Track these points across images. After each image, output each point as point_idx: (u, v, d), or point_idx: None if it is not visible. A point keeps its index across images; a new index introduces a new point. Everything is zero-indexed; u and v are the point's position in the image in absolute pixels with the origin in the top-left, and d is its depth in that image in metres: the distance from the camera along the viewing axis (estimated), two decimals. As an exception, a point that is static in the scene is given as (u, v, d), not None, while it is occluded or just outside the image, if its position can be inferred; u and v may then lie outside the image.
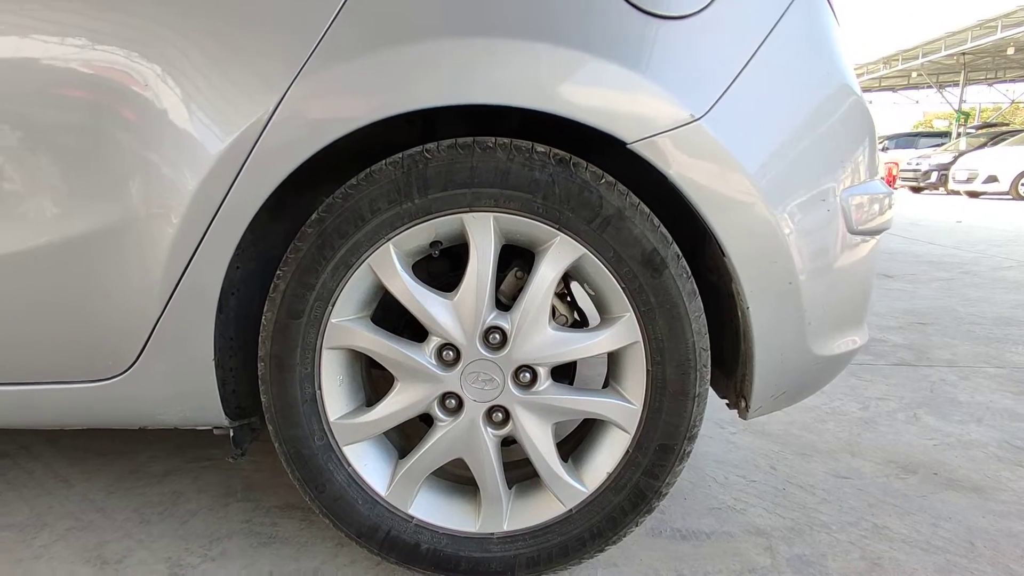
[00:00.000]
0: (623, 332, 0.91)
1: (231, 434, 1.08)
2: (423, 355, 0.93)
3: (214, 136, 0.89)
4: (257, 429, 1.15)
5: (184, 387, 1.01)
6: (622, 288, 0.90)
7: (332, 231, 0.90)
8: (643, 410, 0.92)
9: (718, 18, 0.88)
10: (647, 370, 0.91)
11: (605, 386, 1.00)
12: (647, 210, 0.90)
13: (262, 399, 0.97)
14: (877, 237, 1.05)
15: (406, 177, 0.88)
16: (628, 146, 0.86)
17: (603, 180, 0.89)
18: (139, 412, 1.05)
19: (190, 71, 0.89)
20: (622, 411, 0.93)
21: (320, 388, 0.95)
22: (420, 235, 0.91)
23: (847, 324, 1.00)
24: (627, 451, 0.93)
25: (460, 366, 0.93)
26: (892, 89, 31.83)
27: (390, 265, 0.91)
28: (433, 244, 0.94)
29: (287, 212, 1.05)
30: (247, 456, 1.46)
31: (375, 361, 0.99)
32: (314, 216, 0.92)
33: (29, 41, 0.90)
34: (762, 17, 0.91)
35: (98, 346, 0.99)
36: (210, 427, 1.06)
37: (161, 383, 1.01)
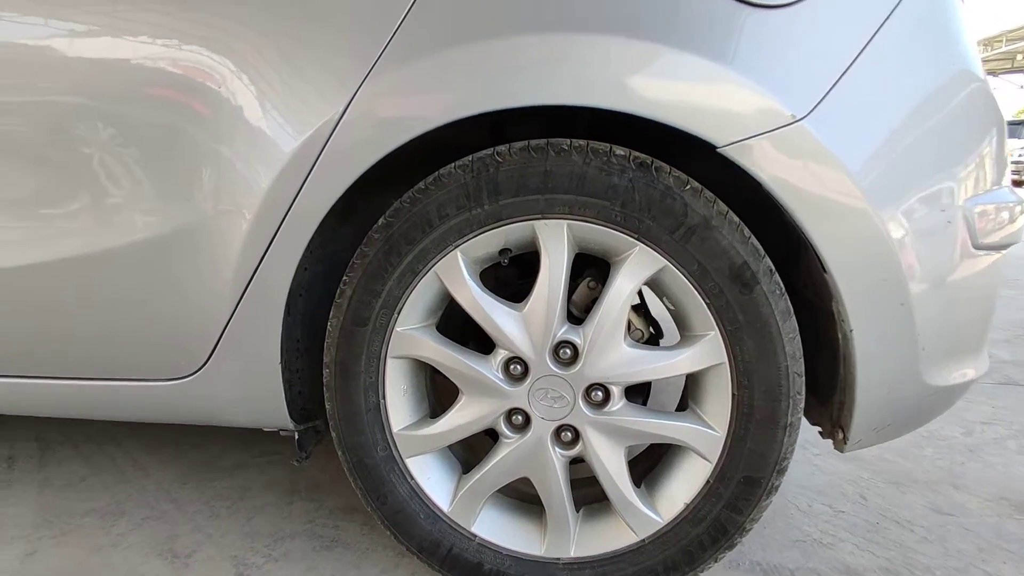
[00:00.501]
0: (706, 352, 0.84)
1: (296, 436, 1.08)
2: (490, 368, 0.89)
3: (287, 134, 0.87)
4: (321, 432, 1.15)
5: (251, 388, 1.01)
6: (706, 304, 0.82)
7: (399, 237, 0.87)
8: (726, 438, 0.85)
9: (825, 6, 0.79)
10: (732, 394, 0.83)
11: (682, 407, 0.93)
12: (736, 219, 0.82)
13: (326, 405, 0.96)
14: (1003, 251, 0.92)
15: (476, 181, 0.84)
16: (719, 150, 0.78)
17: (688, 186, 0.81)
18: (209, 411, 1.06)
19: (265, 68, 0.88)
20: (702, 437, 0.86)
21: (384, 397, 0.93)
22: (489, 242, 0.87)
23: (965, 351, 0.89)
24: (707, 481, 0.86)
25: (528, 381, 0.88)
26: (993, 73, 29.36)
27: (457, 273, 0.87)
28: (502, 252, 0.89)
29: (355, 215, 1.03)
30: (312, 456, 1.46)
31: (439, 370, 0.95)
32: (381, 221, 0.89)
33: (110, 41, 0.91)
34: (876, 2, 0.80)
35: (173, 346, 1.01)
36: (276, 429, 1.06)
37: (230, 384, 1.02)
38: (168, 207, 0.93)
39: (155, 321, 0.99)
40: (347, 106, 0.85)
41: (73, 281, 0.98)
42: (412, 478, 0.94)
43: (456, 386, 0.92)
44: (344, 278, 0.91)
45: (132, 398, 1.06)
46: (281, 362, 0.98)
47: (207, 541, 1.17)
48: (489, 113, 0.82)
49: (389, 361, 0.92)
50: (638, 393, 0.97)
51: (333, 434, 0.96)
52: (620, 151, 0.82)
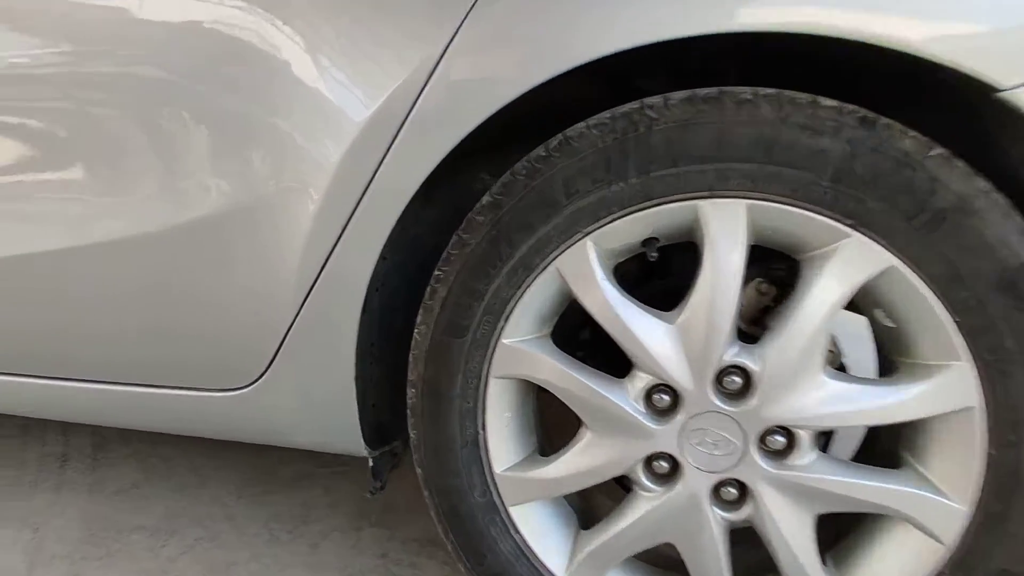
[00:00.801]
0: (949, 390, 0.59)
1: (369, 463, 0.89)
2: (626, 397, 0.67)
3: (356, 100, 0.68)
4: (399, 454, 0.96)
5: (319, 403, 0.83)
6: (955, 322, 0.57)
7: (511, 220, 0.66)
8: (974, 514, 0.60)
9: None
10: (987, 454, 0.58)
11: (892, 462, 0.68)
12: (1006, 202, 0.56)
13: (411, 434, 0.76)
14: None
15: (620, 146, 0.61)
16: (999, 94, 0.52)
17: (934, 152, 0.56)
18: (267, 429, 0.89)
19: (326, 22, 0.69)
20: (931, 509, 0.61)
21: (484, 428, 0.72)
22: (631, 230, 0.64)
23: None
24: (939, 573, 0.61)
25: (679, 418, 0.65)
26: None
27: (587, 269, 0.65)
28: (647, 242, 0.67)
29: (440, 193, 0.82)
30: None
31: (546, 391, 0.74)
32: (486, 199, 0.68)
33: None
34: None
35: (227, 348, 0.83)
36: (346, 454, 0.88)
37: (293, 397, 0.84)
38: (213, 186, 0.76)
39: (206, 317, 0.82)
40: (439, 59, 0.64)
41: (110, 268, 0.82)
42: (518, 532, 0.73)
43: (577, 417, 0.71)
44: (436, 273, 0.71)
45: (177, 409, 0.89)
46: (356, 371, 0.79)
47: (265, 574, 1.01)
48: (612, 64, 0.60)
49: (492, 382, 0.71)
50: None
51: (419, 470, 0.76)
52: (829, 102, 0.58)
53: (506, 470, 0.73)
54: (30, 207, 0.86)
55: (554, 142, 0.64)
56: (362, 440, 0.83)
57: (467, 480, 0.73)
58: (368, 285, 0.73)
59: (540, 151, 0.65)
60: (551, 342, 0.72)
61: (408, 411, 0.75)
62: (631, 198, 0.63)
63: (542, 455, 0.76)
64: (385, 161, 0.69)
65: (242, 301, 0.80)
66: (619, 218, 0.63)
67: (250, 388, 0.84)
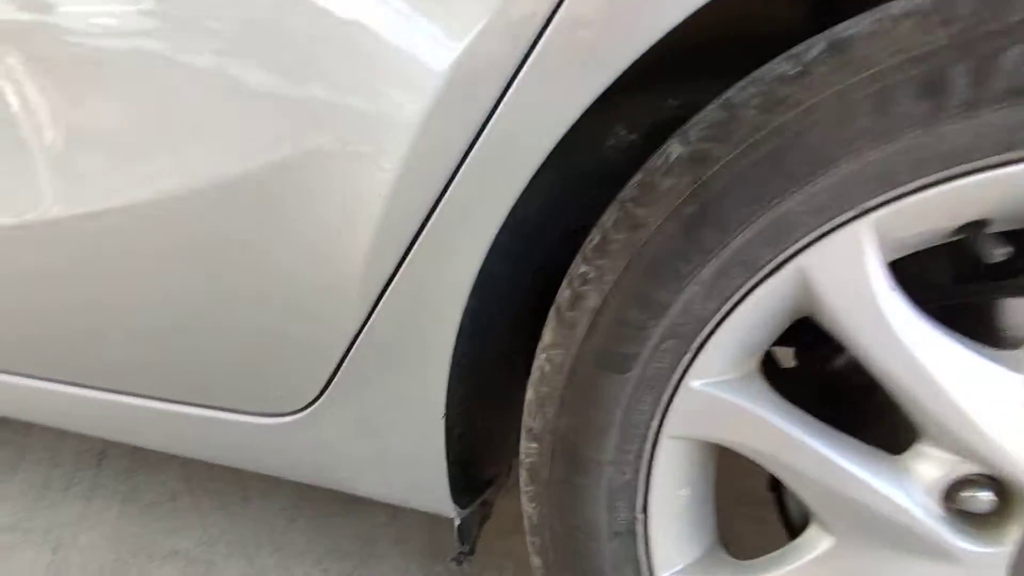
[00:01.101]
0: None
1: (456, 522, 0.65)
2: (911, 489, 0.39)
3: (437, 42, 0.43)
4: (490, 504, 0.72)
5: (388, 445, 0.59)
6: None
7: (727, 187, 0.39)
8: None
9: None
10: None
11: None
12: None
13: (526, 510, 0.51)
14: None
15: (966, 47, 0.33)
16: None
17: None
18: (320, 471, 0.66)
19: None
20: None
21: (646, 512, 0.46)
22: (950, 206, 0.36)
23: None
24: None
25: (1019, 535, 0.38)
26: None
27: (858, 273, 0.38)
28: (971, 227, 0.38)
29: (575, 147, 0.55)
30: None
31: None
32: (677, 150, 0.41)
33: None
34: None
35: (267, 367, 0.61)
36: (423, 509, 0.64)
37: (352, 433, 0.60)
38: (246, 148, 0.52)
39: (237, 314, 0.59)
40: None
41: (115, 242, 0.60)
42: None
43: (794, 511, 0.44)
44: (582, 270, 0.45)
45: (205, 434, 0.68)
46: (445, 406, 0.54)
47: (316, 636, 0.80)
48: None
49: (665, 443, 0.45)
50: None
51: (536, 563, 0.52)
52: None
53: (676, 575, 0.47)
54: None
55: (816, 48, 0.37)
56: (448, 496, 0.60)
57: (617, 591, 0.47)
58: (470, 287, 0.48)
59: (785, 67, 0.37)
60: (765, 384, 0.45)
61: (524, 474, 0.50)
62: (954, 153, 0.34)
63: (728, 554, 0.50)
64: (504, 101, 0.43)
65: (282, 302, 0.56)
66: (938, 184, 0.35)
67: (298, 416, 0.61)
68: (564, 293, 0.46)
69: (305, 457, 0.64)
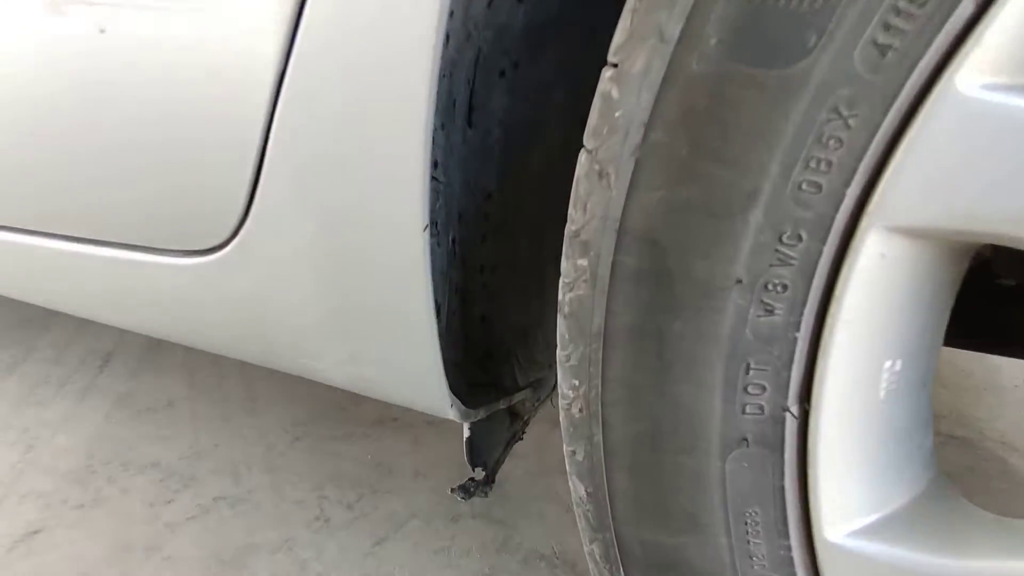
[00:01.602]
0: None
1: (465, 433, 0.42)
2: None
3: None
4: (523, 419, 0.49)
5: (351, 288, 0.37)
6: None
7: None
8: None
9: None
10: None
11: None
12: None
13: (564, 401, 0.27)
14: None
15: None
16: None
17: None
18: (261, 336, 0.45)
19: None
20: None
21: (808, 398, 0.21)
22: None
23: None
24: None
25: None
26: None
27: None
28: None
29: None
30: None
31: None
32: None
33: None
34: None
35: (182, 203, 0.40)
36: (402, 403, 0.42)
37: (296, 273, 0.39)
38: None
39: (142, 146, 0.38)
40: None
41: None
42: None
43: None
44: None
45: (124, 278, 0.48)
46: (431, 217, 0.31)
47: (306, 572, 0.61)
48: None
49: (869, 242, 0.19)
50: None
51: (580, 492, 0.28)
52: None
53: None
54: None
55: None
56: (441, 385, 0.36)
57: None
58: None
59: None
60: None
61: (562, 325, 0.26)
62: None
63: None
64: None
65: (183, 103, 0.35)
66: None
67: (222, 254, 0.40)
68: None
69: (238, 314, 0.43)
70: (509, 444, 0.49)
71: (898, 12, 0.19)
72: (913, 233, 0.21)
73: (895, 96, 0.20)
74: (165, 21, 0.33)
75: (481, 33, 0.42)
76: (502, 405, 0.45)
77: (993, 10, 0.18)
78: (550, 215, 0.41)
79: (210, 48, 0.32)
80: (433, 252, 0.42)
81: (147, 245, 0.44)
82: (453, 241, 0.46)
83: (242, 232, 0.39)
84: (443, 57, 0.37)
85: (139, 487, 0.74)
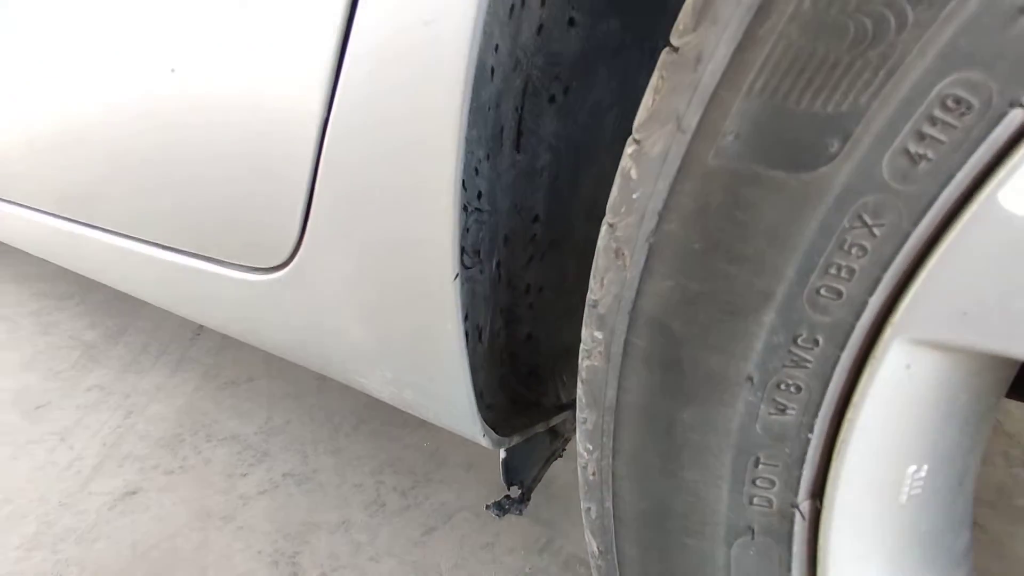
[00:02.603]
0: None
1: (501, 454, 0.43)
2: None
3: None
4: (565, 438, 0.49)
5: (390, 322, 0.39)
6: None
7: None
8: None
9: None
10: None
11: None
12: None
13: (582, 461, 0.28)
14: None
15: None
16: None
17: None
18: (317, 349, 0.48)
19: None
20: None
21: (821, 494, 0.21)
22: None
23: None
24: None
25: None
26: None
27: None
28: None
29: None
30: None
31: None
32: None
33: None
34: None
35: (243, 214, 0.42)
36: (441, 425, 0.43)
37: (340, 301, 0.41)
38: None
39: (212, 169, 0.41)
40: None
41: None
42: None
43: None
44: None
45: (205, 288, 0.52)
46: (461, 262, 0.32)
47: (349, 560, 0.65)
48: None
49: (895, 352, 0.18)
50: None
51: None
52: None
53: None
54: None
55: None
56: (474, 413, 0.38)
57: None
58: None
59: None
60: None
61: (581, 390, 0.27)
62: None
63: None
64: None
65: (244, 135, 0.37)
66: None
67: (281, 273, 0.43)
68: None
69: (298, 329, 0.46)
70: (548, 462, 0.50)
71: (934, 122, 0.17)
72: (945, 347, 0.19)
73: (928, 207, 0.18)
74: (225, 78, 0.35)
75: (531, 59, 0.42)
76: (539, 429, 0.46)
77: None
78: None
79: (263, 103, 0.34)
80: (473, 281, 0.43)
81: (222, 259, 0.48)
82: (497, 264, 0.47)
83: (297, 257, 0.42)
84: (487, 90, 0.37)
85: (220, 458, 0.82)
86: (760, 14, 0.18)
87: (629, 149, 0.24)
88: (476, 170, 0.41)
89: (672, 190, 0.22)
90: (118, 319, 1.19)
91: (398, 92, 0.30)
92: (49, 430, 0.87)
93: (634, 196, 0.23)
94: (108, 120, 0.50)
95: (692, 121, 0.21)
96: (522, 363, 0.51)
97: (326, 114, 0.32)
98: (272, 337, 0.50)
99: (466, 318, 0.44)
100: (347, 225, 0.37)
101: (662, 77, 0.22)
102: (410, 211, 0.34)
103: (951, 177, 0.18)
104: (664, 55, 0.22)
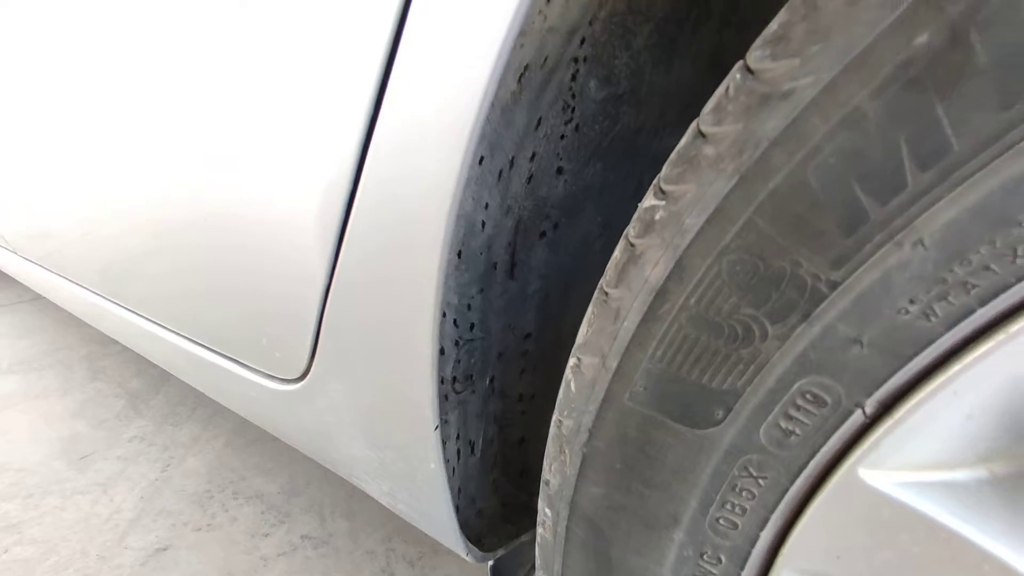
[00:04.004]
0: None
1: (489, 562, 0.47)
2: None
3: None
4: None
5: (385, 442, 0.43)
6: None
7: None
8: None
9: None
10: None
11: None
12: None
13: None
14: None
15: None
16: None
17: None
18: (327, 452, 0.52)
19: None
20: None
21: None
22: None
23: None
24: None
25: None
26: None
27: None
28: None
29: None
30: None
31: None
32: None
33: None
34: None
35: (263, 327, 0.47)
36: (433, 536, 0.47)
37: (345, 417, 0.45)
38: None
39: (234, 287, 0.47)
40: None
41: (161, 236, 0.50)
42: None
43: None
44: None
45: (236, 390, 0.58)
46: (440, 417, 0.36)
47: (355, 632, 0.69)
48: None
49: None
50: None
51: None
52: None
53: None
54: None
55: None
56: (455, 531, 0.41)
57: None
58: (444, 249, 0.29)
59: None
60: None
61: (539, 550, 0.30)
62: None
63: None
64: None
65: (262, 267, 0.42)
66: None
67: (298, 386, 0.47)
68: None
69: (312, 435, 0.50)
70: (533, 569, 0.53)
71: (797, 408, 0.20)
72: (826, 578, 0.22)
73: (801, 470, 0.21)
74: (237, 224, 0.41)
75: (521, 204, 0.46)
76: (524, 538, 0.49)
77: (882, 422, 0.19)
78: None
79: (270, 261, 0.39)
80: (465, 403, 0.47)
81: (248, 363, 0.53)
82: (491, 380, 0.50)
83: (311, 374, 0.46)
84: (477, 240, 0.41)
85: (245, 516, 0.87)
86: (659, 297, 0.22)
87: (571, 361, 0.27)
88: (468, 306, 0.46)
89: (598, 415, 0.25)
90: (160, 368, 1.27)
91: (383, 256, 0.34)
92: (94, 480, 0.94)
93: (572, 405, 0.27)
94: (139, 221, 0.56)
95: (613, 364, 0.24)
96: (514, 465, 0.54)
97: (334, 259, 0.36)
98: (290, 436, 0.55)
99: (458, 437, 0.48)
100: (348, 358, 0.42)
101: (594, 314, 0.25)
102: (396, 378, 0.38)
103: (816, 450, 0.21)
104: (596, 295, 0.25)
